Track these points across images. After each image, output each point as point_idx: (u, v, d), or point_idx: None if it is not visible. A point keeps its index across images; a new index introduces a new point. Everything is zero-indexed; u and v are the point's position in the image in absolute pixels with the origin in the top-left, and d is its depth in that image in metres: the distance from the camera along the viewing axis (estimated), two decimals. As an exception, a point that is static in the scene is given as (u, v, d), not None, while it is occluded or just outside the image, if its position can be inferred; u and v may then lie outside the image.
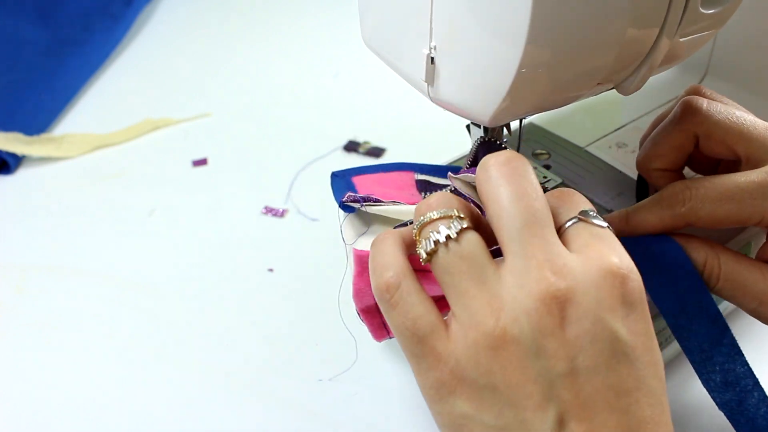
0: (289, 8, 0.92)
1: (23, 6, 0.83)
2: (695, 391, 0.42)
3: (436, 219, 0.29)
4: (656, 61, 0.32)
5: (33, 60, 0.77)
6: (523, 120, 0.40)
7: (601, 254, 0.28)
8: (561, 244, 0.28)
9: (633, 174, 0.45)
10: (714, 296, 0.36)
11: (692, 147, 0.38)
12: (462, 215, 0.29)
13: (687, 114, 0.38)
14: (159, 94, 0.76)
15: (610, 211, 0.44)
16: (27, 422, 0.43)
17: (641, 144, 0.42)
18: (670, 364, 0.43)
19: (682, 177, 0.40)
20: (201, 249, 0.56)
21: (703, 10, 0.32)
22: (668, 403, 0.29)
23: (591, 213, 0.29)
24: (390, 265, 0.30)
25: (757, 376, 0.35)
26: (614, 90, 0.35)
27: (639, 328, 0.28)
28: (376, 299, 0.30)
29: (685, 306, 0.35)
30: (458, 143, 0.50)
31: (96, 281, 0.53)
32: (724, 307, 0.44)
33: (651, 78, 0.34)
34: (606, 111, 0.52)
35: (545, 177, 0.45)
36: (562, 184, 0.44)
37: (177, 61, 0.82)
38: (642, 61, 0.32)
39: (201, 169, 0.65)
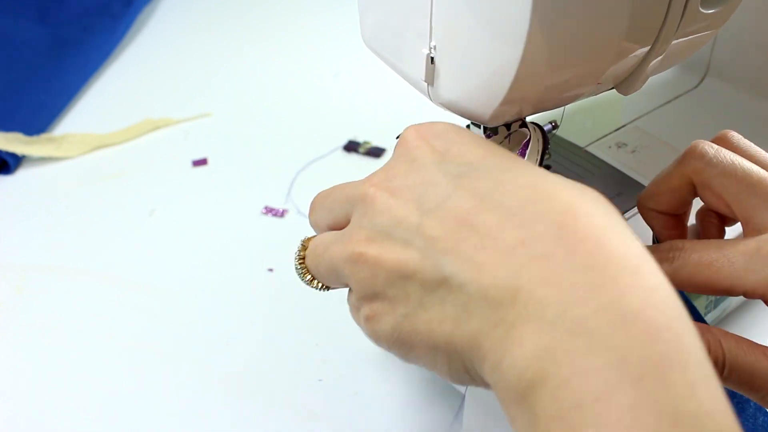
0: (289, 8, 0.91)
1: (23, 6, 0.82)
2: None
3: (297, 256, 0.35)
4: (656, 61, 0.32)
5: (33, 60, 0.76)
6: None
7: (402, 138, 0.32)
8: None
9: (633, 174, 0.45)
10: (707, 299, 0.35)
11: (691, 194, 0.35)
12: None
13: (690, 156, 0.35)
14: (159, 94, 0.76)
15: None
16: (27, 422, 0.43)
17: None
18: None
19: (680, 223, 0.37)
20: (201, 249, 0.56)
21: (702, 10, 0.32)
22: (542, 173, 0.27)
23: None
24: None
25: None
26: (614, 90, 0.35)
27: (466, 148, 0.28)
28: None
29: None
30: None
31: (96, 281, 0.53)
32: (725, 306, 0.44)
33: (651, 78, 0.34)
34: (606, 111, 0.52)
35: None
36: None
37: (177, 61, 0.82)
38: (642, 61, 0.32)
39: (201, 169, 0.65)
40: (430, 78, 0.33)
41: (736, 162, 0.34)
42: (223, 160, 0.66)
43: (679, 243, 0.33)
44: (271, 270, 0.54)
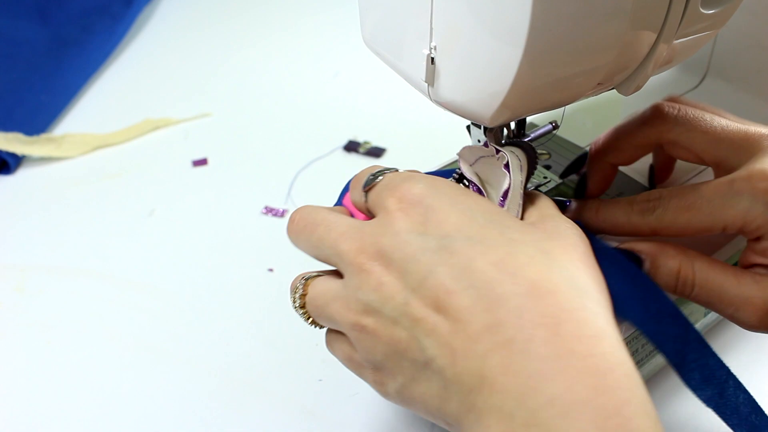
0: (289, 8, 0.92)
1: (23, 6, 0.83)
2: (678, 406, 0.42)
3: (295, 284, 0.35)
4: (656, 61, 0.32)
5: (33, 60, 0.76)
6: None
7: (382, 205, 0.32)
8: (357, 222, 0.32)
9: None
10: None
11: (651, 151, 0.39)
12: (306, 277, 0.34)
13: (655, 118, 0.37)
14: (159, 94, 0.76)
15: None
16: (27, 422, 0.43)
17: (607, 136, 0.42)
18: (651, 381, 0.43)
19: (614, 174, 0.40)
20: (201, 249, 0.56)
21: (703, 11, 0.32)
22: (532, 250, 0.28)
23: (378, 171, 0.33)
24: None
25: (752, 380, 0.35)
26: (614, 90, 0.35)
27: (442, 217, 0.30)
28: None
29: (648, 310, 0.35)
30: (458, 143, 0.50)
31: (96, 281, 0.53)
32: (710, 321, 0.44)
33: (651, 78, 0.34)
34: (606, 111, 0.52)
35: (545, 177, 0.45)
36: (562, 184, 0.44)
37: (177, 61, 0.82)
38: (642, 61, 0.32)
39: (201, 169, 0.65)
40: (431, 78, 0.33)
41: (698, 117, 0.37)
42: (223, 160, 0.66)
43: (655, 192, 0.35)
44: (271, 270, 0.54)
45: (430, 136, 0.65)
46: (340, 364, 0.45)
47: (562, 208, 0.38)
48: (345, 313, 0.31)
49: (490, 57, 0.30)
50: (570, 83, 0.32)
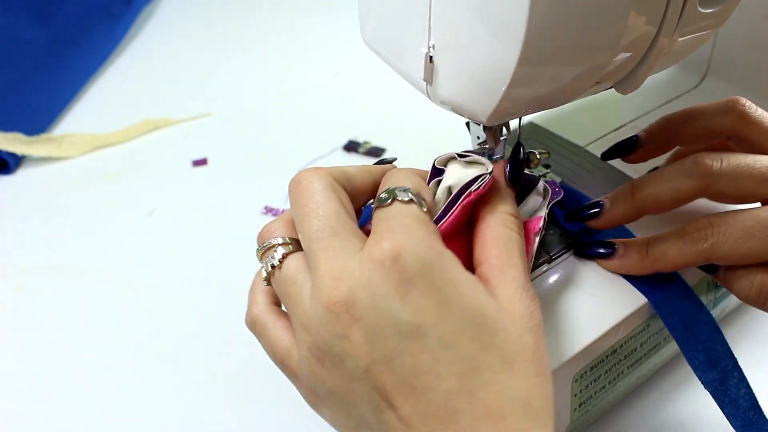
0: (290, 8, 0.92)
1: (23, 6, 0.83)
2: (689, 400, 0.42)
3: (273, 246, 0.33)
4: (655, 60, 0.32)
5: (33, 60, 0.77)
6: (523, 119, 0.40)
7: (375, 242, 0.29)
8: (349, 245, 0.30)
9: (632, 173, 0.45)
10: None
11: (690, 201, 0.38)
12: (289, 240, 0.33)
13: (696, 172, 0.36)
14: (159, 94, 0.76)
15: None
16: (27, 422, 0.43)
17: (656, 127, 0.41)
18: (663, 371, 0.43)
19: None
20: (201, 249, 0.56)
21: (701, 9, 0.32)
22: (486, 355, 0.28)
23: (398, 190, 0.31)
24: (254, 301, 0.36)
25: (756, 376, 0.35)
26: (613, 89, 0.35)
27: (423, 303, 0.28)
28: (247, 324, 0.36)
29: (659, 283, 0.35)
30: (458, 143, 0.50)
31: (96, 281, 0.53)
32: (725, 305, 0.44)
33: (650, 77, 0.34)
34: (606, 111, 0.52)
35: (545, 176, 0.45)
36: (562, 183, 0.44)
37: (177, 61, 0.82)
38: (641, 60, 0.32)
39: (201, 169, 0.65)
40: (429, 77, 0.33)
41: (742, 163, 0.35)
42: (223, 160, 0.66)
43: (704, 220, 0.34)
44: (270, 270, 0.54)
45: (430, 136, 0.64)
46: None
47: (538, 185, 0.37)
48: (303, 333, 0.30)
49: (488, 55, 0.30)
50: (568, 82, 0.32)
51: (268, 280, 0.33)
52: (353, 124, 0.69)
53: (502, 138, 0.38)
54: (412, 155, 0.61)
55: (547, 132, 0.50)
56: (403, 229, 0.29)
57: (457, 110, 0.34)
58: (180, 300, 0.51)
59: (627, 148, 0.41)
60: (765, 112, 0.38)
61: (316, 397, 0.31)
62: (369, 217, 0.33)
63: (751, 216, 0.34)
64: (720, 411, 0.35)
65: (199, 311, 0.50)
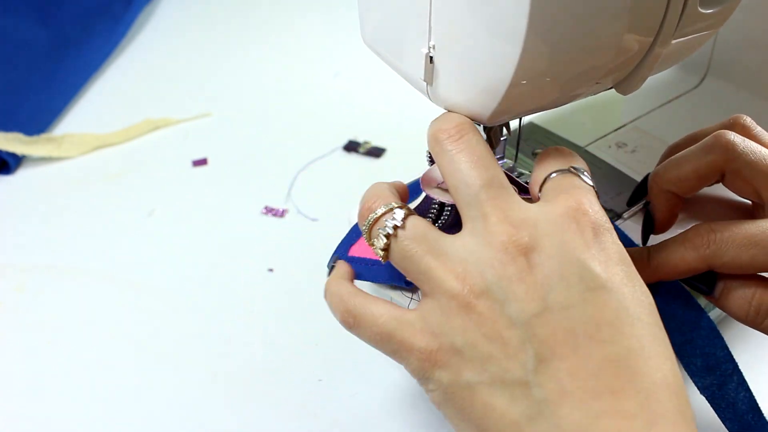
0: (290, 8, 0.92)
1: (23, 6, 0.83)
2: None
3: (379, 216, 0.31)
4: (655, 60, 0.32)
5: (33, 60, 0.77)
6: (523, 119, 0.40)
7: (566, 198, 0.29)
8: (521, 201, 0.30)
9: (632, 173, 0.45)
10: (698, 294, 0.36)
11: (714, 180, 0.37)
12: (400, 204, 0.31)
13: (719, 147, 0.36)
14: (159, 94, 0.76)
15: (610, 210, 0.44)
16: (27, 422, 0.43)
17: (664, 157, 0.41)
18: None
19: (681, 203, 0.39)
20: (201, 249, 0.56)
21: (702, 10, 0.32)
22: (663, 334, 0.28)
23: (582, 170, 0.31)
24: (339, 294, 0.33)
25: (755, 379, 0.35)
26: (614, 90, 0.35)
27: (612, 259, 0.28)
28: (342, 324, 0.33)
29: (657, 288, 0.35)
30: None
31: (96, 281, 0.53)
32: (717, 314, 0.44)
33: (650, 78, 0.34)
34: (606, 111, 0.52)
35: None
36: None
37: (177, 61, 0.82)
38: (641, 60, 0.32)
39: (201, 169, 0.65)
40: (429, 77, 0.33)
41: (764, 152, 0.36)
42: (223, 160, 0.66)
43: (705, 226, 0.34)
44: (271, 270, 0.54)
45: (430, 136, 0.64)
46: (340, 364, 0.45)
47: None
48: (453, 279, 0.28)
49: (488, 56, 0.30)
50: (568, 82, 0.32)
51: (386, 248, 0.31)
52: (353, 124, 0.69)
53: (502, 138, 0.38)
54: (412, 155, 0.62)
55: (547, 132, 0.50)
56: (595, 202, 0.30)
57: (457, 110, 0.34)
58: (180, 300, 0.51)
59: (642, 191, 0.42)
60: (762, 131, 0.37)
61: (435, 360, 0.29)
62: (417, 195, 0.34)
63: (755, 225, 0.33)
64: (716, 415, 0.35)
65: (199, 311, 0.50)
